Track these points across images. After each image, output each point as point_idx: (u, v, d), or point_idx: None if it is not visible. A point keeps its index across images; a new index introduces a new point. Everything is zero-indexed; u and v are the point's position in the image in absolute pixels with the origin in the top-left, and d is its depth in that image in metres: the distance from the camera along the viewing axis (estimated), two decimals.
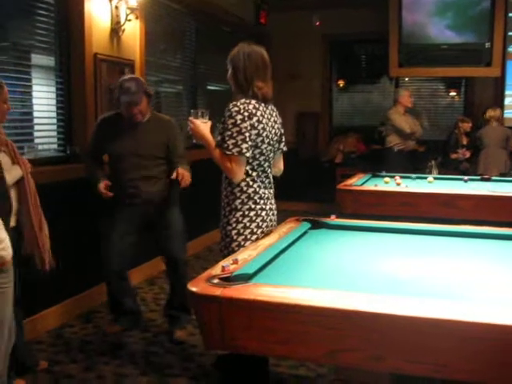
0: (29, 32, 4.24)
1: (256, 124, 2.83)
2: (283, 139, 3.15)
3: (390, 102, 8.99)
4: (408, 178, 5.56)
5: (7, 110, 3.11)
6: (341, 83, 9.30)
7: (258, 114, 2.86)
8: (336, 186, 5.17)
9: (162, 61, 6.07)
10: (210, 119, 2.97)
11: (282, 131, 3.13)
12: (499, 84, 8.03)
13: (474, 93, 8.42)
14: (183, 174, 3.63)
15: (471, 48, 7.51)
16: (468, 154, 7.57)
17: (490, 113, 7.29)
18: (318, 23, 8.36)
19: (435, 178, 5.56)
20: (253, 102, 2.87)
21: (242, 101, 2.85)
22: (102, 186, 3.70)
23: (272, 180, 3.09)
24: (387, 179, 5.27)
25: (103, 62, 4.63)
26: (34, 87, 4.36)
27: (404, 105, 7.24)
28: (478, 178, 5.80)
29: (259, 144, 2.88)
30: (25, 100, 4.29)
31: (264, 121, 2.89)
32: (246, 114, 2.81)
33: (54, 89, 4.46)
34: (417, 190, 4.76)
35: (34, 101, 4.36)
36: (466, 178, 5.59)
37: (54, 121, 4.50)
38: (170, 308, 4.00)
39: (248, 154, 2.81)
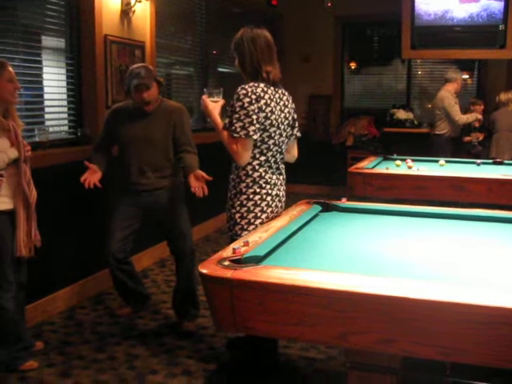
0: (39, 14, 4.23)
1: (264, 107, 2.81)
2: (296, 125, 3.11)
3: (402, 84, 8.96)
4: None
5: (15, 90, 3.11)
6: (353, 65, 9.23)
7: (266, 97, 2.84)
8: (347, 169, 5.16)
9: (172, 43, 6.04)
10: (223, 98, 2.95)
11: (295, 116, 3.10)
12: None
13: (487, 75, 8.33)
14: (199, 185, 3.50)
15: (485, 30, 7.41)
16: (481, 137, 7.51)
17: (504, 96, 7.20)
18: (329, 4, 8.28)
19: (447, 161, 5.53)
20: (261, 85, 2.85)
21: (251, 84, 2.84)
22: (86, 175, 3.64)
23: (283, 166, 3.07)
24: (398, 162, 5.24)
25: (113, 43, 4.61)
26: (45, 69, 4.36)
27: (456, 88, 7.16)
28: (491, 161, 5.77)
29: (267, 127, 2.86)
30: (35, 82, 4.28)
31: (272, 104, 2.86)
32: (253, 96, 2.79)
33: (64, 71, 4.45)
34: (428, 173, 4.73)
35: (45, 83, 4.36)
36: (478, 161, 5.56)
37: (65, 103, 4.50)
38: (177, 301, 3.94)
39: (255, 137, 2.80)
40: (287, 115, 3.00)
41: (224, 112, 2.94)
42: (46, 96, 4.37)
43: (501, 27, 7.27)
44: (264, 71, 2.88)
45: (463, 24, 7.48)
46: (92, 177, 3.65)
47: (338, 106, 9.13)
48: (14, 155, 3.06)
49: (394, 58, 8.87)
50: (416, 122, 8.49)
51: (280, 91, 2.98)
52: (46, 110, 4.40)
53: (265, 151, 2.90)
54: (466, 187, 4.41)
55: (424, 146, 7.43)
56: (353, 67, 9.24)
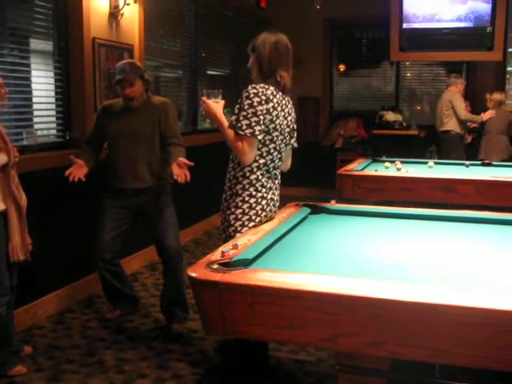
0: (27, 17, 4.21)
1: (271, 110, 2.82)
2: (295, 135, 3.12)
3: (391, 86, 9.00)
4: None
5: (5, 95, 3.10)
6: (341, 68, 9.26)
7: (275, 100, 2.85)
8: (336, 171, 5.17)
9: (161, 45, 6.03)
10: (222, 98, 2.95)
11: (295, 126, 3.11)
12: (501, 68, 7.99)
13: (475, 77, 8.37)
14: (182, 172, 3.47)
15: (473, 32, 7.46)
16: (469, 139, 7.54)
17: (499, 96, 7.20)
18: (318, 6, 8.29)
19: (436, 163, 5.55)
20: (271, 88, 2.86)
21: (262, 85, 2.85)
22: (71, 169, 3.65)
23: (279, 172, 3.08)
24: (387, 164, 5.26)
25: (102, 46, 4.60)
26: (33, 72, 4.33)
27: (458, 91, 7.30)
28: (479, 163, 5.80)
29: (271, 131, 2.86)
30: (23, 85, 4.26)
31: (278, 109, 2.87)
32: (263, 97, 2.79)
33: (52, 74, 4.43)
34: (417, 174, 4.75)
35: (33, 86, 4.33)
36: (467, 162, 5.58)
37: (53, 106, 4.48)
38: (165, 304, 3.93)
39: (260, 137, 2.80)
40: (289, 123, 3.01)
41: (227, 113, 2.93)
42: (34, 99, 4.35)
43: (488, 29, 7.33)
44: (279, 75, 2.90)
45: (451, 26, 7.53)
46: (77, 171, 3.66)
47: (326, 108, 9.15)
48: (3, 160, 3.02)
49: (383, 61, 8.90)
50: (405, 124, 8.52)
51: (286, 98, 3.00)
52: (34, 113, 4.37)
53: (264, 154, 2.90)
54: (454, 189, 4.43)
55: (413, 148, 7.47)
56: (341, 69, 9.27)
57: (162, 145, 3.80)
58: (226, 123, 2.86)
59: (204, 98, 2.93)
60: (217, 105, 2.92)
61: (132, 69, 3.72)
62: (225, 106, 2.95)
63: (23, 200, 3.15)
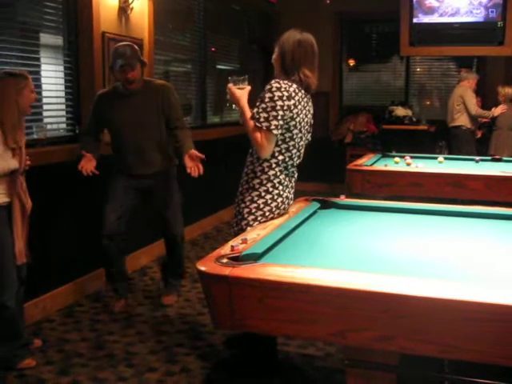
0: (37, 11, 4.21)
1: (292, 107, 2.82)
2: (311, 130, 3.14)
3: (400, 81, 8.96)
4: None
5: (34, 99, 3.17)
6: (351, 62, 9.23)
7: (296, 98, 2.84)
8: (346, 166, 5.16)
9: (170, 40, 6.03)
10: (248, 84, 2.94)
11: (312, 122, 3.12)
12: (511, 63, 7.93)
13: (485, 72, 8.33)
14: (194, 165, 3.63)
15: (483, 27, 7.40)
16: (479, 134, 7.50)
17: (509, 91, 7.14)
18: (328, 1, 8.26)
19: (445, 159, 5.53)
20: (294, 85, 2.86)
21: (286, 81, 2.85)
22: (82, 163, 3.71)
23: (296, 171, 3.08)
24: (397, 159, 5.24)
25: (111, 40, 4.59)
26: (43, 66, 4.34)
27: (470, 86, 7.30)
28: (489, 158, 5.77)
29: (291, 128, 2.86)
30: (33, 79, 4.26)
31: (299, 107, 2.87)
32: (285, 93, 2.79)
33: (62, 68, 4.44)
34: (427, 170, 4.73)
35: (43, 80, 4.34)
36: (477, 158, 5.56)
37: (63, 100, 4.48)
38: (166, 274, 4.30)
39: (275, 132, 2.79)
40: (308, 121, 3.02)
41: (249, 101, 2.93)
42: (43, 93, 4.36)
43: (499, 24, 7.26)
44: (302, 72, 2.90)
45: (462, 21, 7.47)
46: (88, 165, 3.71)
47: (336, 102, 9.13)
48: (13, 166, 3.04)
49: (393, 55, 8.87)
50: (414, 119, 8.49)
51: (308, 96, 2.99)
52: (44, 107, 4.38)
53: (283, 151, 2.90)
54: (464, 184, 4.41)
55: (423, 143, 7.44)
56: (351, 64, 9.24)
57: (166, 127, 3.86)
58: (248, 113, 2.86)
59: (230, 86, 2.93)
60: (242, 92, 2.90)
61: (132, 53, 3.75)
62: (250, 93, 2.94)
63: (28, 205, 3.16)
